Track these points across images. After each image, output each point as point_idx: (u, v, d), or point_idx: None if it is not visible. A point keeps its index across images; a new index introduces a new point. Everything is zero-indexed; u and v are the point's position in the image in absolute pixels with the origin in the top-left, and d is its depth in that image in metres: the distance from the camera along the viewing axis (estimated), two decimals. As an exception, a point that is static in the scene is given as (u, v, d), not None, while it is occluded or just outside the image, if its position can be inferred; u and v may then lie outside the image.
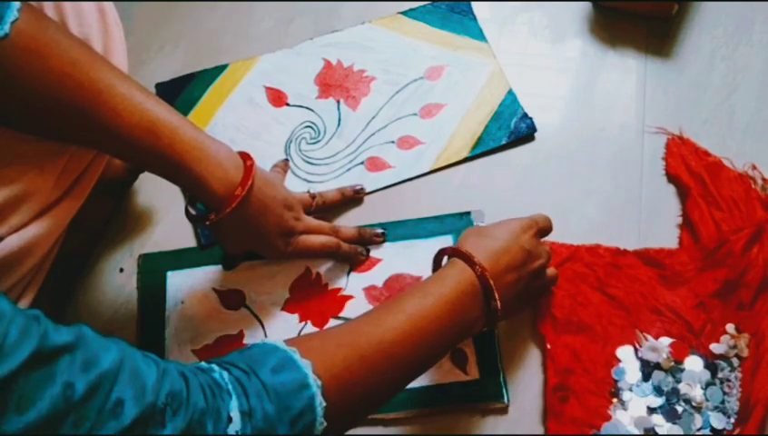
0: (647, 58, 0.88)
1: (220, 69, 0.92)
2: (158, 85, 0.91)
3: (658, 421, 0.66)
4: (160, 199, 0.83)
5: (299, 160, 0.84)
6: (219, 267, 0.78)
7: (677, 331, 0.70)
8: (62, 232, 0.63)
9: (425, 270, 0.74)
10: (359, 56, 0.91)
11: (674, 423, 0.66)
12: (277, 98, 0.89)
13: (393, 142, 0.85)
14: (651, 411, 0.67)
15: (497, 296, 0.61)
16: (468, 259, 0.61)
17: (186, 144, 0.61)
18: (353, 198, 0.81)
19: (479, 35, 0.91)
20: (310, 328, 0.74)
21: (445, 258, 0.66)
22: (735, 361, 0.68)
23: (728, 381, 0.67)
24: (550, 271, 0.69)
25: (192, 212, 0.67)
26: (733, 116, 0.83)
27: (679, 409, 0.67)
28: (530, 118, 0.84)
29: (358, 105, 0.87)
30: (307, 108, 0.88)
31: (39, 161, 0.58)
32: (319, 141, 0.86)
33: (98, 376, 0.40)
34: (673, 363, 0.69)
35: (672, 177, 0.79)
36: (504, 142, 0.83)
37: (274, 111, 0.88)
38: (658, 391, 0.68)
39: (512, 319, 0.70)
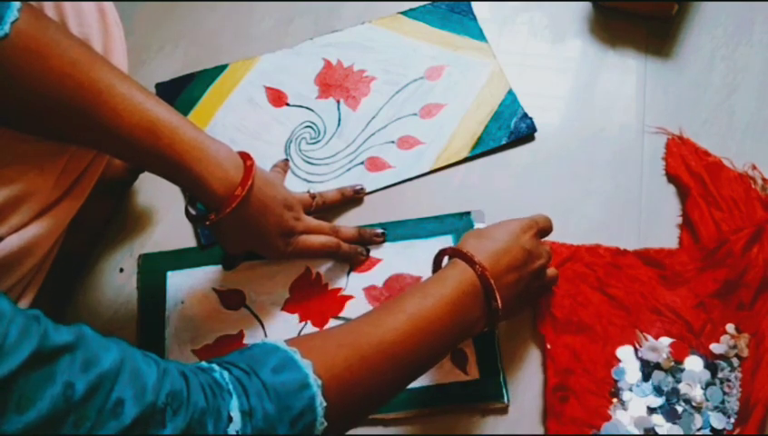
0: (647, 58, 0.88)
1: (220, 69, 0.92)
2: (158, 85, 0.91)
3: (658, 421, 0.66)
4: (160, 199, 0.83)
5: (299, 160, 0.84)
6: (219, 267, 0.78)
7: (677, 331, 0.70)
8: (62, 232, 0.63)
9: (425, 270, 0.74)
10: (359, 56, 0.91)
11: (674, 423, 0.66)
12: (277, 98, 0.89)
13: (393, 142, 0.85)
14: (651, 411, 0.67)
15: (497, 296, 0.61)
16: (469, 259, 0.61)
17: (186, 144, 0.61)
18: (353, 198, 0.81)
19: (479, 35, 0.91)
20: (310, 328, 0.74)
21: (445, 258, 0.66)
22: (735, 361, 0.68)
23: (728, 381, 0.67)
24: (550, 271, 0.69)
25: (192, 212, 0.67)
26: (733, 116, 0.83)
27: (679, 409, 0.67)
28: (530, 118, 0.84)
29: (358, 105, 0.87)
30: (307, 108, 0.88)
31: (39, 161, 0.58)
32: (319, 141, 0.86)
33: (98, 376, 0.40)
34: (673, 363, 0.69)
35: (672, 177, 0.79)
36: (504, 142, 0.83)
37: (274, 111, 0.88)
38: (658, 391, 0.68)
39: (512, 319, 0.70)
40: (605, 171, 0.81)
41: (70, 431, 0.39)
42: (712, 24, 0.89)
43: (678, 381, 0.68)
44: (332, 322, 0.74)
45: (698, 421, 0.66)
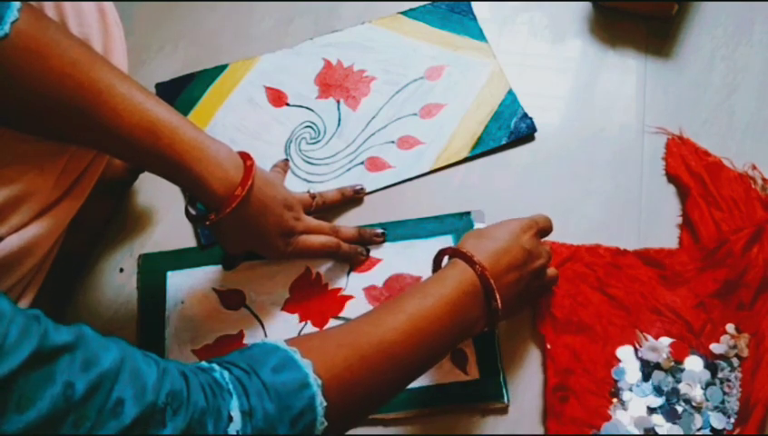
0: (647, 58, 0.88)
1: (220, 69, 0.92)
2: (158, 85, 0.91)
3: (658, 421, 0.66)
4: (160, 199, 0.83)
5: (299, 160, 0.84)
6: (219, 267, 0.78)
7: (677, 331, 0.70)
8: (62, 232, 0.63)
9: (425, 270, 0.74)
10: (359, 56, 0.91)
11: (674, 423, 0.66)
12: (277, 98, 0.89)
13: (393, 142, 0.85)
14: (651, 411, 0.67)
15: (497, 296, 0.61)
16: (469, 259, 0.61)
17: (186, 144, 0.61)
18: (353, 198, 0.81)
19: (479, 35, 0.91)
20: (310, 328, 0.74)
21: (445, 258, 0.66)
22: (735, 361, 0.68)
23: (728, 381, 0.67)
24: (550, 271, 0.69)
25: (192, 212, 0.67)
26: (733, 116, 0.83)
27: (679, 409, 0.67)
28: (530, 118, 0.84)
29: (358, 105, 0.87)
30: (307, 108, 0.88)
31: (39, 161, 0.58)
32: (319, 141, 0.86)
33: (98, 376, 0.40)
34: (673, 363, 0.69)
35: (672, 177, 0.79)
36: (504, 142, 0.83)
37: (274, 111, 0.88)
38: (658, 391, 0.68)
39: (512, 319, 0.70)
40: (605, 171, 0.81)
41: (70, 431, 0.39)
42: (712, 24, 0.89)
43: (678, 381, 0.68)
44: (332, 322, 0.74)
45: (698, 421, 0.66)
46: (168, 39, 0.95)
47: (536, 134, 0.84)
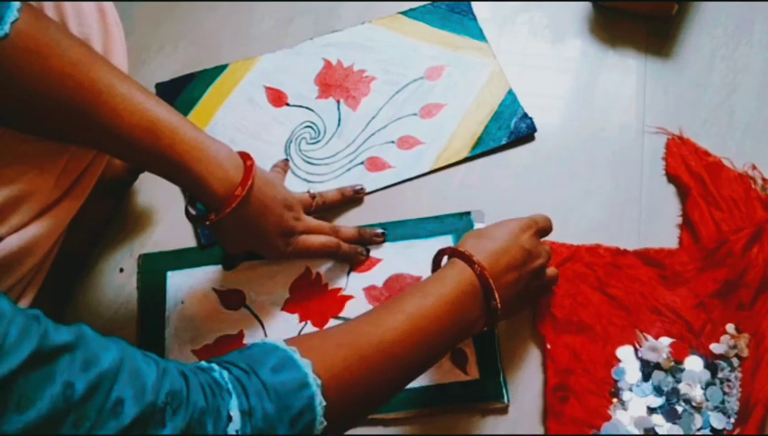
0: (647, 58, 0.88)
1: (220, 69, 0.92)
2: (158, 85, 0.91)
3: (658, 421, 0.66)
4: (160, 199, 0.83)
5: (299, 160, 0.84)
6: (219, 267, 0.78)
7: (677, 331, 0.70)
8: (62, 232, 0.63)
9: (425, 270, 0.74)
10: (359, 56, 0.91)
11: (674, 423, 0.66)
12: (277, 98, 0.89)
13: (393, 142, 0.85)
14: (651, 411, 0.67)
15: (496, 296, 0.61)
16: (468, 259, 0.61)
17: (186, 144, 0.61)
18: (353, 198, 0.81)
19: (479, 35, 0.91)
20: (310, 328, 0.74)
21: (444, 258, 0.66)
22: (735, 361, 0.68)
23: (728, 381, 0.67)
24: (550, 270, 0.69)
25: (192, 212, 0.67)
26: (733, 116, 0.83)
27: (679, 409, 0.67)
28: (530, 118, 0.84)
29: (358, 105, 0.87)
30: (307, 108, 0.88)
31: (39, 161, 0.58)
32: (319, 141, 0.86)
33: (98, 375, 0.40)
34: (673, 363, 0.69)
35: (672, 177, 0.79)
36: (504, 142, 0.83)
37: (274, 111, 0.88)
38: (658, 391, 0.68)
39: (512, 319, 0.70)
40: (605, 171, 0.81)
41: (70, 431, 0.39)
42: (712, 24, 0.89)
43: (678, 381, 0.68)
44: (332, 322, 0.74)
45: (698, 421, 0.66)
46: (168, 39, 0.95)
47: (536, 134, 0.84)
